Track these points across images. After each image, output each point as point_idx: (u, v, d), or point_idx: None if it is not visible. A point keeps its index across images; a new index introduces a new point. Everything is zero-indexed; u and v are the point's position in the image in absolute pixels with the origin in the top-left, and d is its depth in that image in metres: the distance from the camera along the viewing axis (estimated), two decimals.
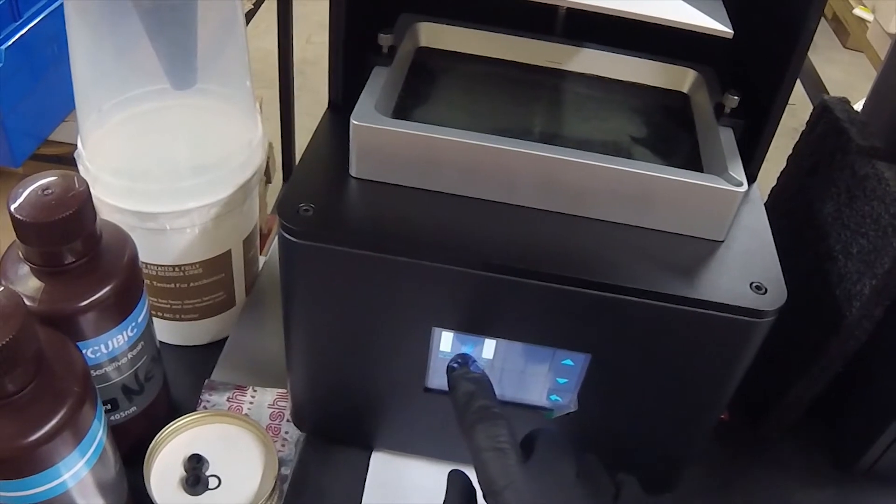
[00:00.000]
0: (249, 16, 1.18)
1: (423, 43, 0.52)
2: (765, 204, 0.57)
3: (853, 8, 1.31)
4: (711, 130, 0.46)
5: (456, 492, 0.40)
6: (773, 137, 0.47)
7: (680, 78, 0.52)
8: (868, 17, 1.54)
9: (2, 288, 0.38)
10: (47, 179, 0.43)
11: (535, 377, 0.46)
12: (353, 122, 0.43)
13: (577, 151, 0.42)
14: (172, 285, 0.56)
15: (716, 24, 0.39)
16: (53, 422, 0.39)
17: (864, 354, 0.51)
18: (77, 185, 0.43)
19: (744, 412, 0.58)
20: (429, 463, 0.53)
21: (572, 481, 0.38)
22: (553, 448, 0.39)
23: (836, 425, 0.57)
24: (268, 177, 1.37)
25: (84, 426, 0.41)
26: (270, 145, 1.46)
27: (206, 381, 0.57)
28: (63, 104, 0.96)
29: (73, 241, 0.43)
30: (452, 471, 0.41)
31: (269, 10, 1.43)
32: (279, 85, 1.45)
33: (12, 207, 0.42)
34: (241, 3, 0.56)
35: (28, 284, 0.44)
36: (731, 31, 0.40)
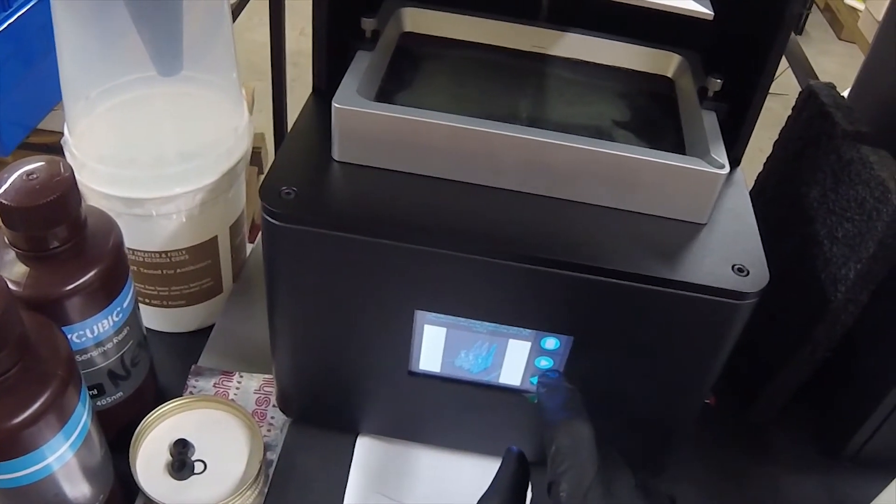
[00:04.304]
0: (241, 6, 1.18)
1: (408, 28, 0.52)
2: (752, 190, 0.58)
3: None
4: (695, 114, 0.47)
5: (510, 471, 0.40)
6: (756, 121, 0.47)
7: (665, 62, 0.52)
8: (860, 6, 1.54)
9: None
10: (32, 165, 0.43)
11: (517, 360, 0.46)
12: (334, 105, 0.43)
13: (560, 134, 0.42)
14: (159, 271, 0.56)
15: (696, 6, 0.39)
16: (37, 404, 0.39)
17: (851, 340, 0.51)
18: (62, 171, 0.43)
19: (732, 398, 0.58)
20: (413, 447, 0.53)
21: (633, 492, 0.38)
22: (613, 459, 0.39)
23: (823, 411, 0.57)
24: (259, 168, 1.37)
25: (68, 409, 0.41)
26: (263, 136, 1.46)
27: (193, 366, 0.57)
28: (53, 93, 0.95)
29: (57, 225, 0.43)
30: (509, 448, 0.41)
31: (262, 3, 1.43)
32: (272, 76, 1.45)
33: None
34: None
35: (13, 270, 0.44)
36: (712, 13, 0.40)
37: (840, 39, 2.45)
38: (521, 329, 0.44)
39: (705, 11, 0.40)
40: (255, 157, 1.34)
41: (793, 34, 1.57)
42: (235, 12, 1.32)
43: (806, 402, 0.56)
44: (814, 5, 2.04)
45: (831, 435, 0.56)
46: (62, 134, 0.54)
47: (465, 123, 0.42)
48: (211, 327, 0.61)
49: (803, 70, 1.29)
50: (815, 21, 2.64)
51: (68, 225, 0.43)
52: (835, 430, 0.56)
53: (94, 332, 0.46)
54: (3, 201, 0.41)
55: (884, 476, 0.51)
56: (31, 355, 0.39)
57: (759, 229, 0.44)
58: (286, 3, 1.43)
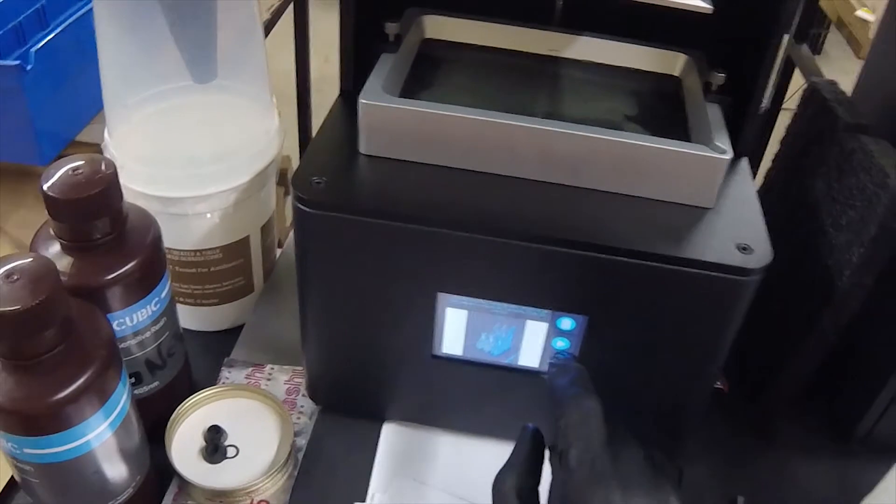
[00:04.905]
0: (268, 28, 1.22)
1: (429, 35, 0.55)
2: (761, 187, 0.60)
3: (855, 10, 1.32)
4: (699, 107, 0.49)
5: (526, 447, 0.42)
6: (758, 113, 0.49)
7: (672, 62, 0.54)
8: (870, 17, 1.55)
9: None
10: (77, 162, 0.46)
11: (535, 341, 0.48)
12: (361, 100, 0.46)
13: (573, 125, 0.45)
14: (194, 270, 0.59)
15: (695, 1, 0.42)
16: (79, 382, 0.41)
17: (859, 327, 0.53)
18: (104, 168, 0.46)
19: (744, 386, 0.59)
20: (437, 433, 0.56)
21: (642, 463, 0.39)
22: (621, 433, 0.41)
23: (831, 397, 0.59)
24: (286, 188, 1.41)
25: (109, 389, 0.43)
26: (289, 159, 1.50)
27: (226, 359, 0.60)
28: (89, 106, 1.00)
29: (100, 217, 0.46)
30: (525, 426, 0.43)
31: (287, 32, 1.47)
32: (297, 102, 1.49)
33: (45, 186, 0.45)
34: (259, 6, 0.59)
35: (59, 261, 0.46)
36: (711, 8, 0.42)
37: (858, 58, 2.47)
38: (539, 310, 0.46)
39: (704, 5, 0.42)
40: (283, 178, 1.38)
41: (808, 51, 1.59)
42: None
43: (818, 389, 0.58)
44: (832, 25, 2.06)
45: (840, 420, 0.58)
46: (99, 146, 0.57)
47: (485, 116, 0.45)
48: (242, 327, 0.64)
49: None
50: (834, 40, 2.65)
51: (110, 218, 0.46)
52: (843, 414, 0.57)
53: (133, 321, 0.49)
54: (51, 194, 0.44)
55: (892, 459, 0.52)
56: (75, 336, 0.42)
57: (766, 220, 0.46)
58: (310, 30, 1.47)
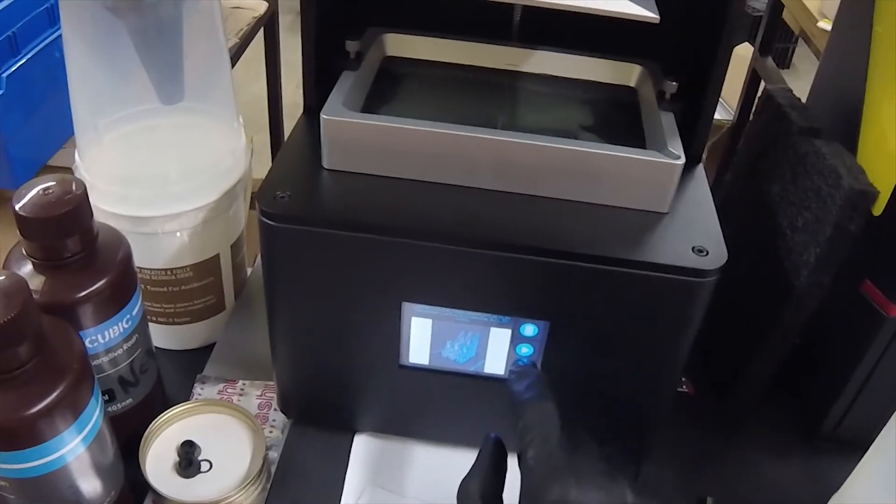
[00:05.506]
0: (238, 53, 1.24)
1: (390, 52, 0.57)
2: (721, 194, 0.61)
3: (817, 22, 1.35)
4: (654, 115, 0.50)
5: (488, 453, 0.43)
6: (712, 119, 0.51)
7: (627, 73, 0.56)
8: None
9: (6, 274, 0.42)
10: (48, 182, 0.47)
11: (500, 348, 0.49)
12: (323, 116, 0.47)
13: (529, 135, 0.46)
14: (165, 289, 0.59)
15: (642, 11, 0.43)
16: (52, 396, 0.42)
17: (820, 325, 0.54)
18: (75, 188, 0.47)
19: (710, 388, 0.61)
20: (408, 442, 0.56)
21: (597, 460, 0.40)
22: (579, 434, 0.42)
23: (797, 396, 0.60)
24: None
25: (81, 403, 0.44)
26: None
27: (199, 375, 0.60)
28: (62, 131, 1.01)
29: (71, 235, 0.47)
30: (487, 434, 0.44)
31: (259, 60, 1.49)
32: (269, 128, 1.51)
33: (16, 206, 0.45)
34: (226, 32, 0.61)
35: (31, 279, 0.47)
36: (657, 17, 0.44)
37: None
38: (502, 317, 0.47)
39: (651, 16, 0.44)
40: (254, 202, 1.39)
41: (773, 63, 1.62)
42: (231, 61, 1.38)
43: (780, 387, 0.59)
44: (799, 40, 2.10)
45: (806, 417, 0.59)
46: (72, 170, 0.58)
47: (443, 128, 0.46)
48: (214, 345, 0.64)
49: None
50: (802, 54, 2.70)
51: (81, 236, 0.47)
52: (809, 412, 0.59)
53: (105, 338, 0.50)
54: (22, 213, 0.45)
55: (859, 453, 0.53)
56: (47, 351, 0.43)
57: (725, 224, 0.47)
58: (283, 59, 1.49)
